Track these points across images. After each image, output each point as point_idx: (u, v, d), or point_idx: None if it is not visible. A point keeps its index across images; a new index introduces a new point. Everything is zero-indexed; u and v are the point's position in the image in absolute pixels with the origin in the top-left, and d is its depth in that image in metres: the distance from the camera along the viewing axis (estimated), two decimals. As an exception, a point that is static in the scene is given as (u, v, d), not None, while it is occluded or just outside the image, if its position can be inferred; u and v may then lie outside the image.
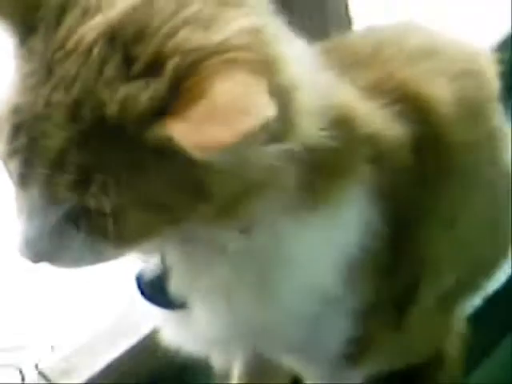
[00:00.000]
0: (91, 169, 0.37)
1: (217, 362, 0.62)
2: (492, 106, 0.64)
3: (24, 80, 0.39)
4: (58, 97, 0.37)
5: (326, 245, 0.50)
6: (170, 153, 0.35)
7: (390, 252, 0.54)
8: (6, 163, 0.40)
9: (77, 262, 0.43)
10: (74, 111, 0.37)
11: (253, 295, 0.50)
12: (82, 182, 0.37)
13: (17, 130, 0.38)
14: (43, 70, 0.38)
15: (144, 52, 0.37)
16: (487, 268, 0.71)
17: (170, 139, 0.34)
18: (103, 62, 0.37)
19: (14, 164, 0.39)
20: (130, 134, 0.36)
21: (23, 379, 0.88)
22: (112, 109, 0.36)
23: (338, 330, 0.56)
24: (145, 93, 0.36)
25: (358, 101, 0.51)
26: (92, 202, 0.37)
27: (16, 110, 0.39)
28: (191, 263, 0.50)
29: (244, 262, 0.48)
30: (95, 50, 0.37)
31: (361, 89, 0.53)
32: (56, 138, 0.37)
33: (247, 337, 0.54)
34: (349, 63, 0.56)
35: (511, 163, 0.68)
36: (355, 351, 0.58)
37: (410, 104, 0.54)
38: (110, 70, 0.36)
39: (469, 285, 0.70)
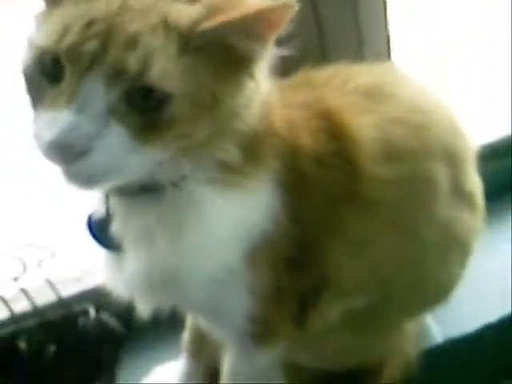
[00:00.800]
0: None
1: (140, 308, 0.68)
2: (432, 161, 0.66)
3: None
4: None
5: (233, 218, 0.58)
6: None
7: (296, 249, 0.61)
8: (72, 51, 0.47)
9: (103, 167, 0.48)
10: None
11: (169, 243, 0.57)
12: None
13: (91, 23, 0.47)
14: None
15: None
16: (414, 301, 0.74)
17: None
18: None
19: (87, 48, 0.46)
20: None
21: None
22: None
23: (237, 303, 0.63)
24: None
25: (282, 107, 0.60)
26: (155, 80, 0.46)
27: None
28: (127, 208, 0.59)
29: (168, 213, 0.57)
30: None
31: (294, 102, 0.63)
32: (134, 25, 0.47)
33: (163, 286, 0.60)
34: (300, 85, 0.67)
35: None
36: (257, 332, 0.65)
37: (330, 124, 0.62)
38: None
39: (397, 310, 0.73)
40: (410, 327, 0.84)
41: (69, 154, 0.46)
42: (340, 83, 0.67)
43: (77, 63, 0.47)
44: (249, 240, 0.59)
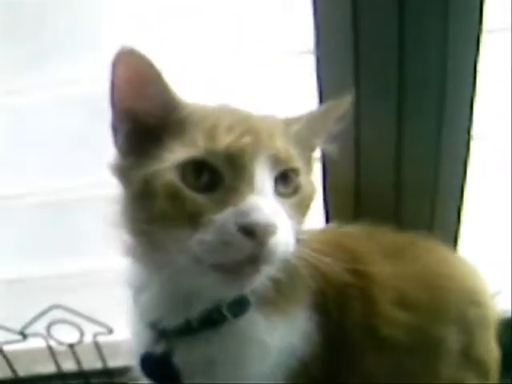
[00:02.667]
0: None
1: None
2: (443, 322, 0.68)
3: None
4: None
5: (280, 346, 0.62)
6: None
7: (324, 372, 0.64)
8: (231, 148, 0.53)
9: (285, 243, 0.53)
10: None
11: (230, 374, 0.62)
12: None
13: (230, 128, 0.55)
14: None
15: None
16: None
17: None
18: None
19: (244, 143, 0.53)
20: None
21: None
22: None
23: None
24: None
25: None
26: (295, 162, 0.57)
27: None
28: (188, 344, 0.62)
29: (229, 344, 0.62)
30: None
31: (321, 239, 0.68)
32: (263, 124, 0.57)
33: None
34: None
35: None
36: None
37: (353, 261, 0.66)
38: None
39: None
40: None
41: (267, 233, 0.50)
42: (368, 235, 0.73)
43: (240, 158, 0.53)
44: (289, 366, 0.63)
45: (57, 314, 0.91)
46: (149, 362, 0.66)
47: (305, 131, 0.60)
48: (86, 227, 0.96)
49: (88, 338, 0.95)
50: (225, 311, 0.60)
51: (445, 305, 0.69)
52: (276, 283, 0.59)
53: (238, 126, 0.55)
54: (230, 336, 0.62)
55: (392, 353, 0.66)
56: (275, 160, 0.54)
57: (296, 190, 0.57)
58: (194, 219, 0.51)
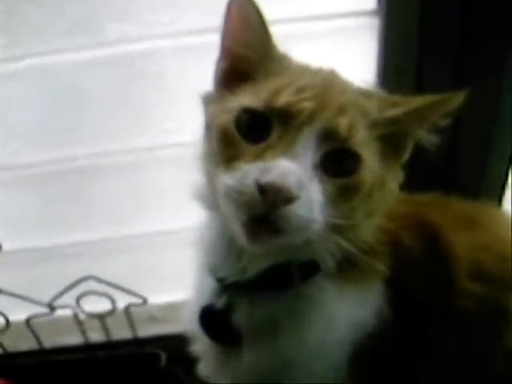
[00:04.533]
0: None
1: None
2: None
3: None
4: None
5: (350, 319, 0.61)
6: None
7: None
8: (287, 109, 0.52)
9: (301, 219, 0.49)
10: None
11: (291, 339, 0.60)
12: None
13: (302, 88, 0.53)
14: None
15: None
16: None
17: None
18: None
19: (303, 107, 0.51)
20: None
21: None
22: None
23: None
24: None
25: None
26: (356, 145, 0.52)
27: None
28: (251, 302, 0.61)
29: (293, 308, 0.60)
30: None
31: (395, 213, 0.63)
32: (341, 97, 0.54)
33: (275, 377, 0.63)
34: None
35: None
36: None
37: (429, 234, 0.65)
38: None
39: None
40: None
41: (279, 197, 0.47)
42: (440, 205, 0.71)
43: (292, 120, 0.51)
44: (356, 340, 0.61)
45: (86, 284, 0.86)
46: (208, 316, 0.64)
47: (403, 119, 0.56)
48: (116, 194, 0.91)
49: (120, 308, 0.91)
50: (292, 272, 0.59)
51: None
52: (351, 256, 0.56)
53: (310, 90, 0.53)
54: (296, 299, 0.60)
55: (463, 324, 0.65)
56: (331, 134, 0.52)
57: (348, 174, 0.52)
58: (230, 163, 0.52)
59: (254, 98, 0.54)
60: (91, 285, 0.86)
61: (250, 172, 0.49)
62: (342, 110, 0.53)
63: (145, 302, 0.90)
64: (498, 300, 0.66)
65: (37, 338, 0.94)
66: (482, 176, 0.86)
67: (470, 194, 0.73)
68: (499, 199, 0.90)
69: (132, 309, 0.93)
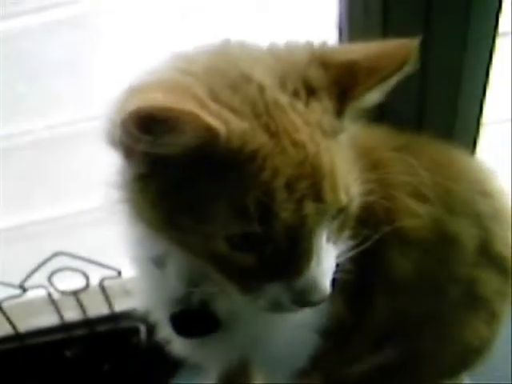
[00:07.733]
0: None
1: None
2: (457, 217, 0.67)
3: None
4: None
5: None
6: None
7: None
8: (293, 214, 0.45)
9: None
10: None
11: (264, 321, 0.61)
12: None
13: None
14: None
15: None
16: (445, 360, 0.75)
17: None
18: None
19: (305, 224, 0.46)
20: None
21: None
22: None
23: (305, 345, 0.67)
24: None
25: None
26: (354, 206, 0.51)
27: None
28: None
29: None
30: None
31: None
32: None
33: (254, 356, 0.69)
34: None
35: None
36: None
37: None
38: None
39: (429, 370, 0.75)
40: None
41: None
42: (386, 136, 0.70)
43: (300, 230, 0.46)
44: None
45: (57, 261, 0.84)
46: (184, 319, 0.62)
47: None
48: (80, 166, 0.88)
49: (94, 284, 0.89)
50: None
51: (454, 195, 0.67)
52: None
53: (298, 183, 0.45)
54: None
55: (414, 249, 0.65)
56: (336, 212, 0.49)
57: (342, 211, 0.50)
58: (243, 280, 0.49)
59: (241, 220, 0.45)
60: (63, 261, 0.84)
61: (282, 295, 0.49)
62: (333, 185, 0.47)
63: (119, 273, 0.88)
64: (442, 224, 0.66)
65: (10, 322, 0.91)
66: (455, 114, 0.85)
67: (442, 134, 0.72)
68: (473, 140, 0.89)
69: (106, 283, 0.92)
